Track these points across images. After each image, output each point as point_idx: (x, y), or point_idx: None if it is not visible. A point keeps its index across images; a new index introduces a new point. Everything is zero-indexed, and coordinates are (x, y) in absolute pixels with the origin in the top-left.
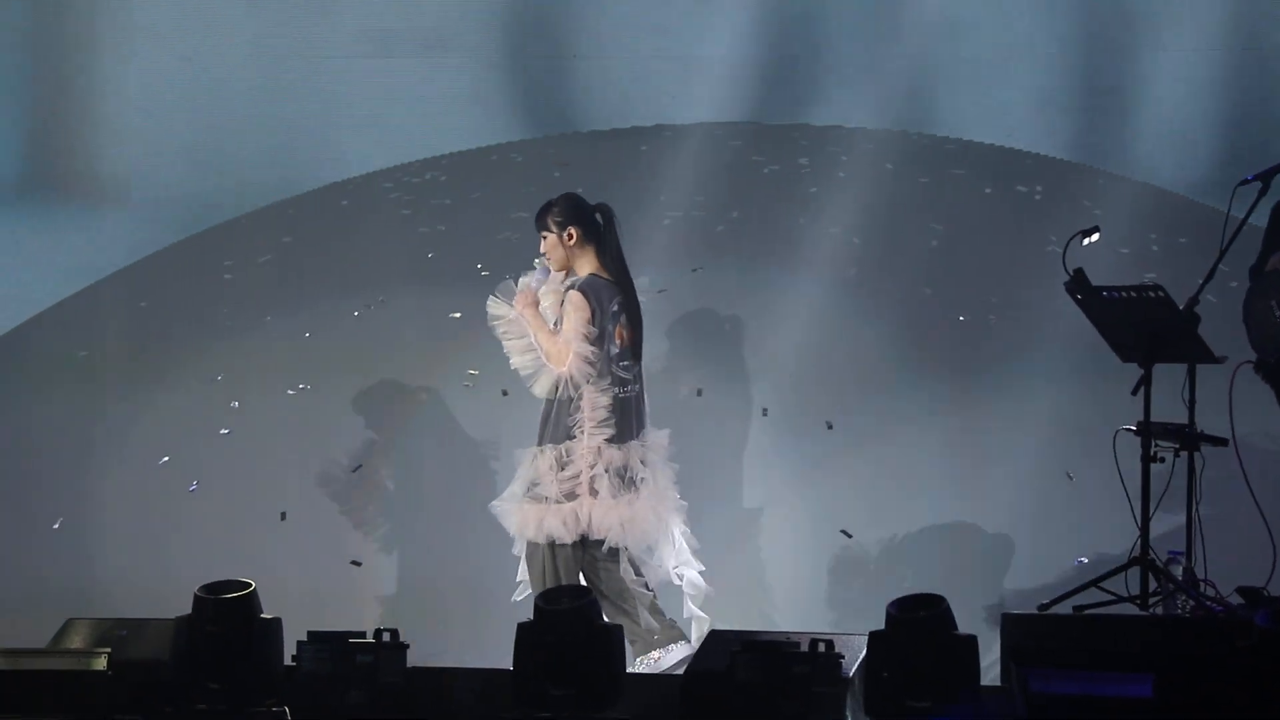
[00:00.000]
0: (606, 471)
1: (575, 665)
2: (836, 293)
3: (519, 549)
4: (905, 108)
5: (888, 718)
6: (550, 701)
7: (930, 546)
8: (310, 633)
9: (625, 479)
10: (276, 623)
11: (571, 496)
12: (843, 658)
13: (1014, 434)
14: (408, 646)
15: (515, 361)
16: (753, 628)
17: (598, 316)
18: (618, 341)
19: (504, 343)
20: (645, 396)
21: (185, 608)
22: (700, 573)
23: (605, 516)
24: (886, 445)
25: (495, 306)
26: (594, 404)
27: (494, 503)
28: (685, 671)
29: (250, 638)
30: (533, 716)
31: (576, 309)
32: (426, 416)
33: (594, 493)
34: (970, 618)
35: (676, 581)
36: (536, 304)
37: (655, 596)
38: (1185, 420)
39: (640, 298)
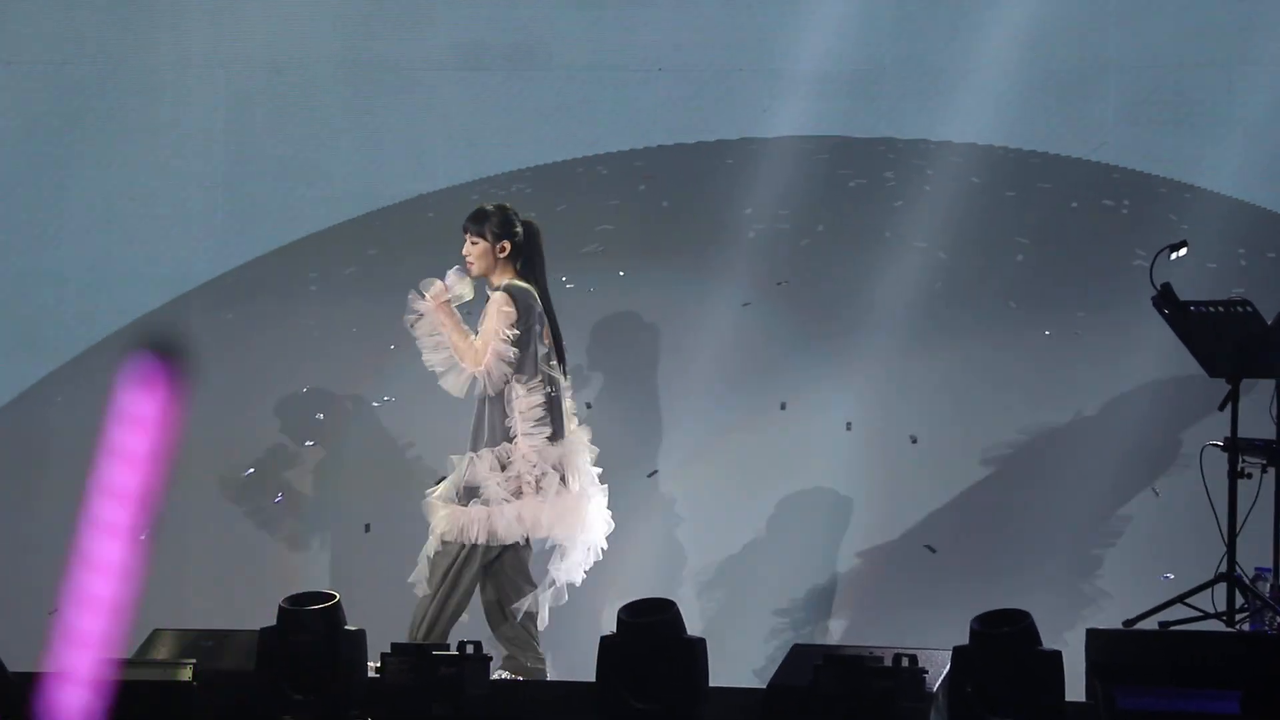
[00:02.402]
0: (549, 468)
1: (658, 678)
2: (921, 307)
3: (431, 548)
4: (992, 122)
5: None
6: (633, 714)
7: (1014, 561)
8: (394, 644)
9: (562, 476)
10: (360, 634)
11: (517, 495)
12: (926, 673)
13: (1100, 449)
14: (490, 659)
15: (426, 358)
16: (836, 642)
17: (523, 319)
18: (545, 342)
19: (416, 339)
20: (567, 397)
21: (270, 619)
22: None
23: (549, 514)
24: (971, 459)
25: (415, 301)
26: (529, 404)
27: (428, 498)
28: (768, 685)
29: (334, 649)
30: None
31: (500, 309)
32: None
33: (539, 490)
34: (1055, 633)
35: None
36: (449, 303)
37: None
38: (1273, 435)
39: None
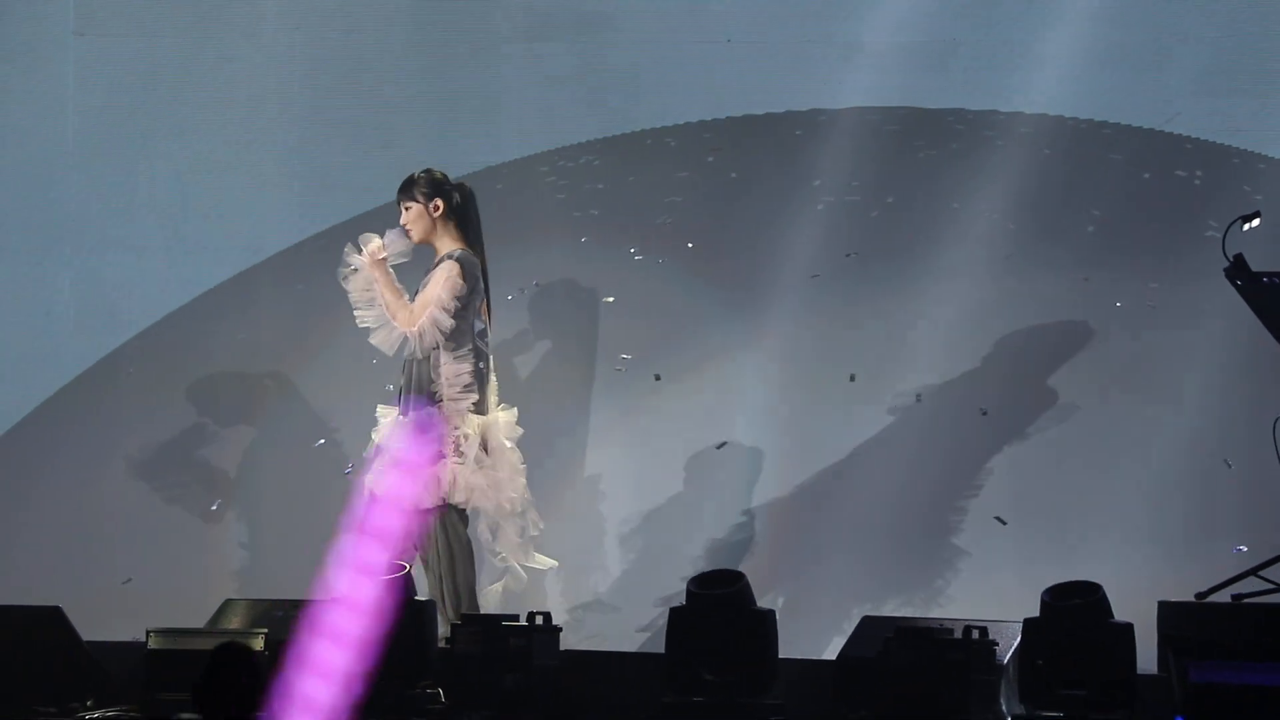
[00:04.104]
0: (474, 434)
1: (729, 650)
2: (991, 278)
3: None
4: (1064, 92)
5: (1042, 706)
6: (704, 686)
7: (1085, 533)
8: (464, 615)
9: (486, 447)
10: (431, 605)
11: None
12: (997, 645)
13: (1172, 421)
14: (560, 629)
15: (359, 313)
16: (907, 614)
17: (467, 291)
18: (483, 317)
19: (349, 293)
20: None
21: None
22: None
23: (470, 479)
24: (1041, 431)
25: (350, 254)
26: (455, 371)
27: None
28: (838, 657)
29: (405, 619)
30: (686, 701)
31: (450, 278)
32: (579, 400)
33: (460, 455)
34: (1126, 605)
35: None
36: (385, 261)
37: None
38: None
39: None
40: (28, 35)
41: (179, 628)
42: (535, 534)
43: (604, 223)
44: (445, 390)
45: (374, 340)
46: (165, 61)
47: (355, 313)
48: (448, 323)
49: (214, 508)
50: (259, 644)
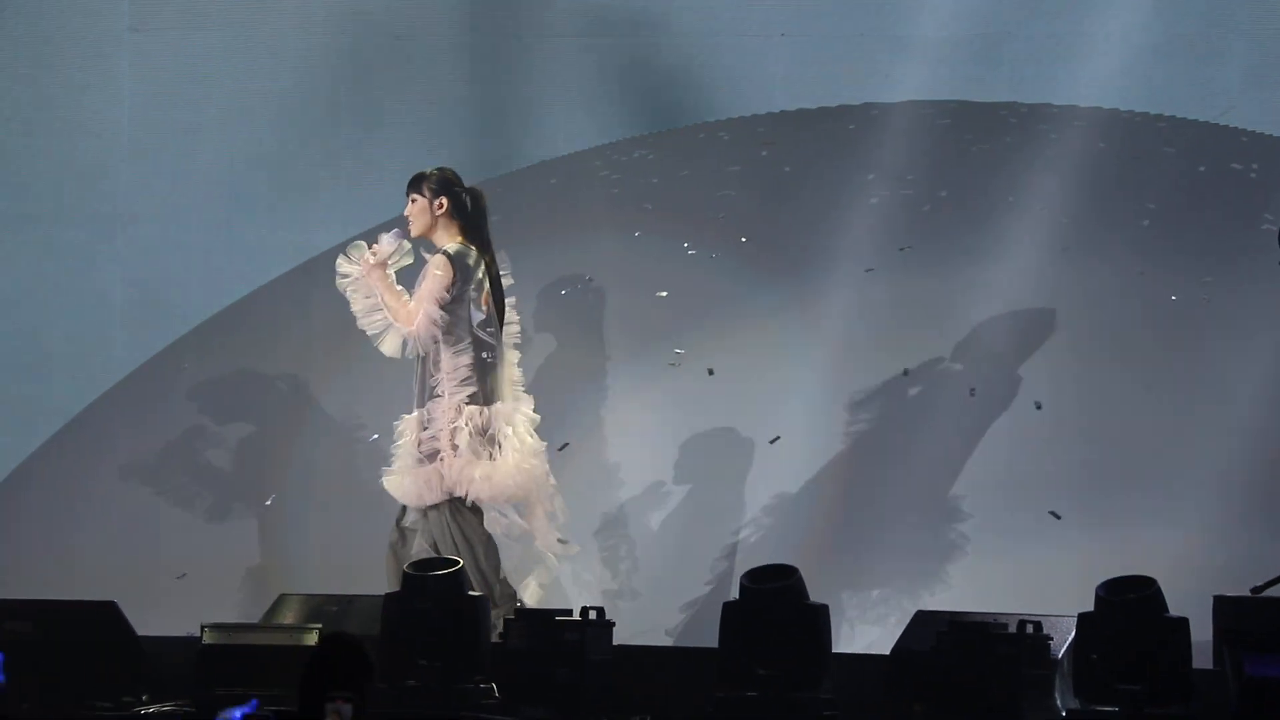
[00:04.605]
0: (467, 426)
1: (781, 644)
2: (1045, 272)
3: (411, 519)
4: (1117, 85)
5: (1097, 700)
6: (756, 680)
7: (1140, 527)
8: (517, 609)
9: (487, 436)
10: (483, 600)
11: (433, 456)
12: (1051, 639)
13: (1227, 414)
14: (614, 624)
15: (361, 321)
16: (960, 608)
17: (458, 284)
18: (483, 309)
19: (350, 301)
20: (507, 364)
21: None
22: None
23: (465, 470)
24: (1096, 425)
25: (344, 265)
26: (453, 365)
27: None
28: (892, 650)
29: (458, 615)
30: (739, 695)
31: (438, 272)
32: (634, 394)
33: (454, 448)
34: (1182, 599)
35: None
36: (384, 265)
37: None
38: None
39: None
40: (84, 31)
41: (233, 623)
42: (561, 519)
43: (657, 217)
44: (445, 385)
45: (381, 346)
46: (218, 58)
47: (358, 321)
48: (439, 315)
49: (268, 503)
50: (313, 639)
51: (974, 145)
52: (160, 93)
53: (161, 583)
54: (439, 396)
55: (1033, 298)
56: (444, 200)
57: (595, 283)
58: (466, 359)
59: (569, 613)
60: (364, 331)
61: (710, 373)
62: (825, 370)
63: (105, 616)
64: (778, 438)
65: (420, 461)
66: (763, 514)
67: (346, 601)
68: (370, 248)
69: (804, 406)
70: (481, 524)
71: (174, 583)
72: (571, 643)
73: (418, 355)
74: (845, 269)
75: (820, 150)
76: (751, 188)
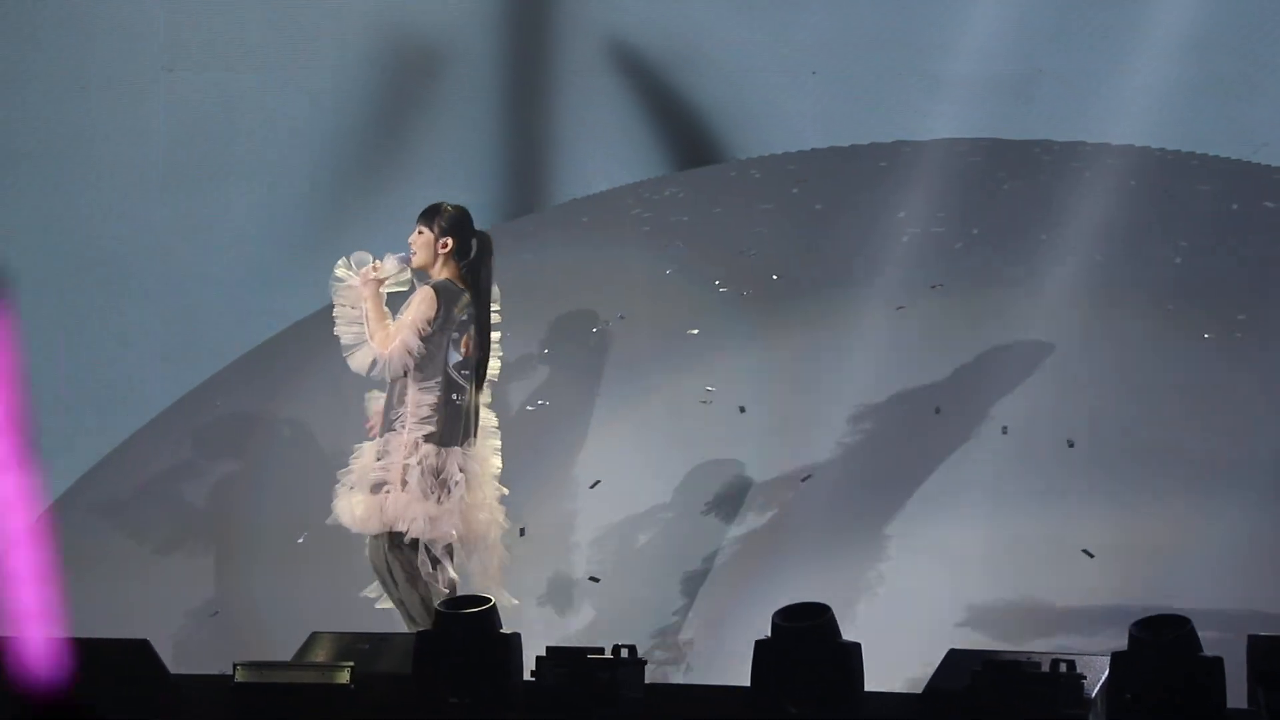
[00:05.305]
0: (419, 465)
1: (813, 682)
2: (1077, 309)
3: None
4: (1150, 123)
5: None
6: (788, 719)
7: (1174, 566)
8: (549, 648)
9: (440, 479)
10: (516, 638)
11: (379, 487)
12: (1084, 678)
13: (1259, 452)
14: (645, 663)
15: (339, 329)
16: (992, 647)
17: (439, 319)
18: (462, 350)
19: (335, 307)
20: (479, 409)
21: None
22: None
23: (409, 509)
24: (1128, 462)
25: (341, 270)
26: (418, 401)
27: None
28: (924, 690)
29: (491, 653)
30: None
31: (422, 303)
32: (664, 431)
33: (404, 484)
34: (1216, 639)
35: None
36: (379, 284)
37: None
38: None
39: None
40: (119, 70)
41: (266, 660)
42: (502, 567)
43: (689, 255)
44: (407, 419)
45: (349, 359)
46: (251, 97)
47: (335, 328)
48: (417, 346)
49: (300, 541)
50: (344, 677)
51: (1006, 183)
52: (194, 132)
53: (195, 620)
54: (396, 430)
55: (1065, 335)
56: (450, 241)
57: (627, 320)
58: (431, 398)
59: (601, 651)
60: (337, 339)
61: (742, 410)
62: (857, 408)
63: (138, 654)
64: (809, 475)
65: (370, 489)
66: (794, 552)
67: (378, 639)
68: (374, 263)
69: (835, 444)
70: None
71: (207, 620)
72: (604, 681)
73: (386, 380)
74: (877, 307)
75: (852, 188)
76: (783, 225)
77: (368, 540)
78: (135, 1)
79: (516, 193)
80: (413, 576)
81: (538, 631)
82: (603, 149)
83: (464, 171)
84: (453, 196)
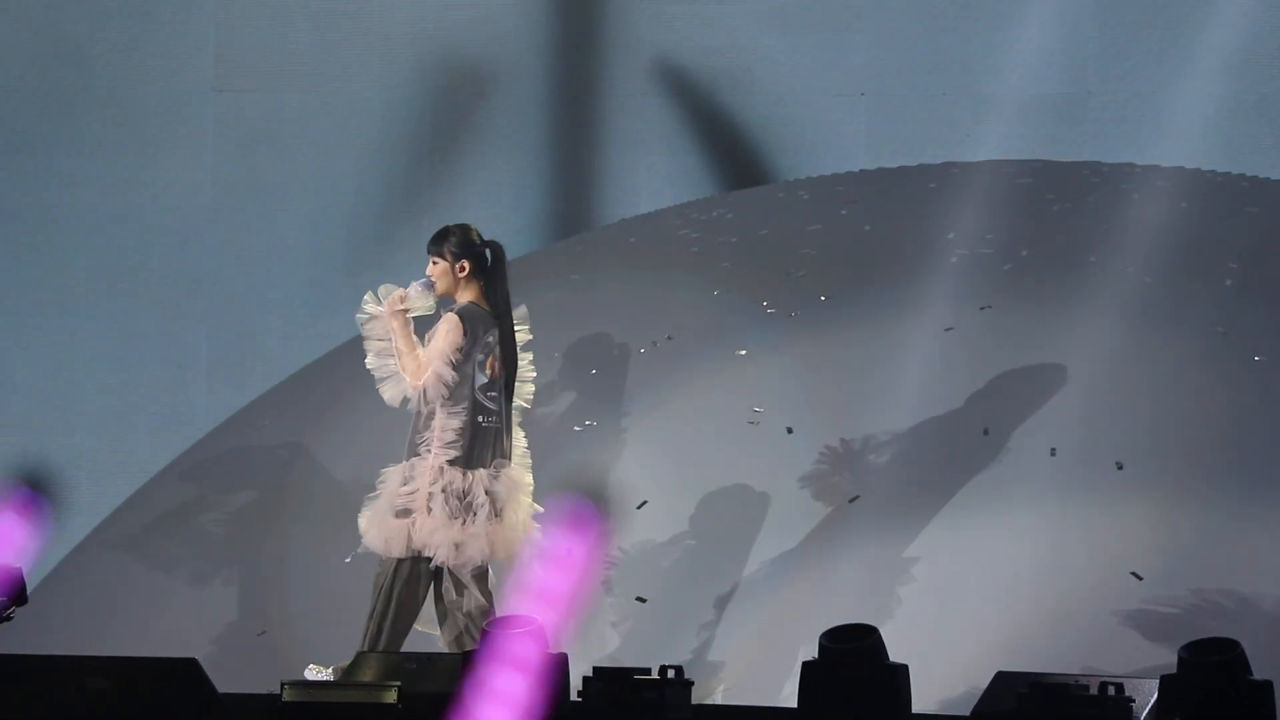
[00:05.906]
0: (444, 492)
1: (861, 705)
2: (1127, 332)
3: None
4: (1200, 145)
5: None
6: None
7: (1224, 590)
8: (596, 669)
9: (464, 503)
10: (563, 658)
11: (405, 513)
12: (1133, 701)
13: None
14: (693, 683)
15: (370, 361)
16: (1040, 669)
17: (468, 344)
18: (488, 372)
19: (364, 339)
20: (511, 431)
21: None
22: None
23: (434, 535)
24: (1178, 485)
25: (370, 304)
26: (444, 426)
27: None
28: (972, 712)
29: (539, 673)
30: None
31: (449, 331)
32: (711, 452)
33: (429, 510)
34: (1266, 662)
35: None
36: (406, 313)
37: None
38: None
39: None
40: (169, 92)
41: (313, 680)
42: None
43: (737, 275)
44: (433, 444)
45: (382, 390)
46: (301, 117)
47: (367, 360)
48: (450, 375)
49: (348, 560)
50: (392, 697)
51: (1055, 205)
52: (243, 152)
53: (243, 640)
54: (421, 455)
55: (1115, 358)
56: (466, 264)
57: (675, 341)
58: (458, 422)
59: (648, 671)
60: (371, 373)
61: (789, 431)
62: (905, 429)
63: (186, 673)
64: (857, 496)
65: (395, 514)
66: (841, 573)
67: (425, 659)
68: (398, 293)
69: (883, 465)
70: (421, 595)
71: (255, 639)
72: (651, 701)
73: (418, 411)
74: (925, 328)
75: (900, 209)
76: (831, 247)
77: (379, 560)
78: (185, 24)
79: (564, 213)
80: (403, 606)
81: (579, 653)
82: (651, 170)
83: (512, 192)
84: (500, 216)
